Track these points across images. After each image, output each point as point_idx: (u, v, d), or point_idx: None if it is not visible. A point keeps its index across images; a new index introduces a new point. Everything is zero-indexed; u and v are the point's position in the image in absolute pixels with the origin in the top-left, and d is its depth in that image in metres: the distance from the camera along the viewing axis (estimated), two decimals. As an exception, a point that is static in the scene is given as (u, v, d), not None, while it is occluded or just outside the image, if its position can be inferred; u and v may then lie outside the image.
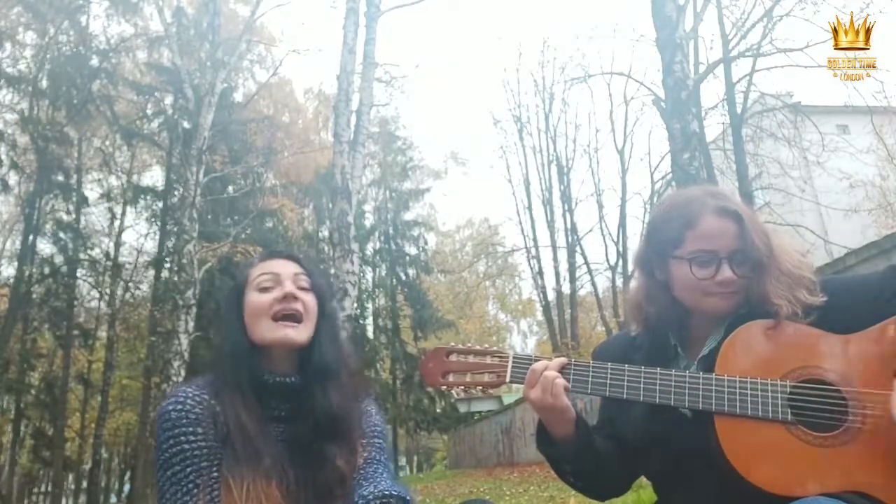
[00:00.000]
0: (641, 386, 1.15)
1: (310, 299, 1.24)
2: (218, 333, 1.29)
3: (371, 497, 1.12)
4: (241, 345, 1.20)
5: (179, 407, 1.12)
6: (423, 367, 1.29)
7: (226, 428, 1.12)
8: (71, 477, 24.06)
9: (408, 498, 1.15)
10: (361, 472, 1.20)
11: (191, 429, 1.10)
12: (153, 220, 20.12)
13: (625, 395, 1.16)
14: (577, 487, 1.30)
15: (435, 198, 47.67)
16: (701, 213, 1.19)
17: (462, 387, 1.27)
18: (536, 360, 1.22)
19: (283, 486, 1.11)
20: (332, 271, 8.50)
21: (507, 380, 1.23)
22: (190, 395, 1.14)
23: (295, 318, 1.20)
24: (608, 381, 1.17)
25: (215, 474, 1.09)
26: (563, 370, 1.20)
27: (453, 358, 1.28)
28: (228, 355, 1.20)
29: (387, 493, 1.13)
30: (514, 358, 1.24)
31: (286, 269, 1.24)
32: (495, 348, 1.27)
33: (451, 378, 1.27)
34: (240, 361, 1.18)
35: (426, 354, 1.31)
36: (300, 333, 1.20)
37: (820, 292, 1.16)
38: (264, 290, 1.21)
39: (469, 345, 1.30)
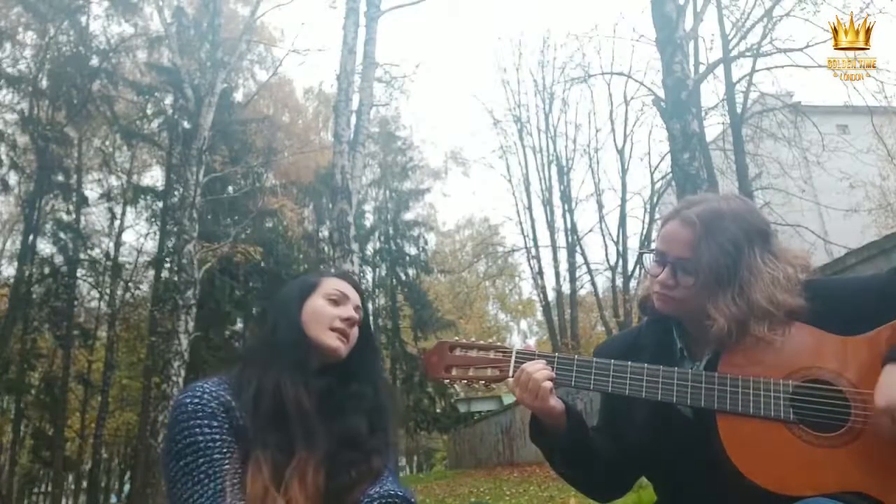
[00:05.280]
0: (644, 383, 1.15)
1: (356, 332, 1.33)
2: (273, 320, 1.34)
3: (377, 496, 1.15)
4: (300, 332, 1.27)
5: (196, 400, 1.14)
6: (426, 360, 1.30)
7: (280, 405, 1.16)
8: (71, 477, 24.04)
9: (412, 500, 1.17)
10: None
11: (206, 421, 1.12)
12: (153, 220, 20.11)
13: (627, 392, 1.16)
14: (570, 480, 1.31)
15: (435, 198, 47.65)
16: (670, 217, 1.24)
17: (465, 380, 1.28)
18: (537, 357, 1.22)
19: (324, 474, 1.14)
20: (332, 271, 8.47)
21: (510, 374, 1.24)
22: (207, 389, 1.17)
23: (347, 339, 1.30)
24: (611, 378, 1.18)
25: (227, 467, 1.10)
26: (566, 366, 1.20)
27: (457, 352, 1.29)
28: (289, 337, 1.26)
29: (392, 493, 1.16)
30: (517, 353, 1.25)
31: (354, 297, 1.35)
32: (498, 343, 1.27)
33: (454, 372, 1.28)
34: (300, 345, 1.25)
35: (430, 348, 1.32)
36: (345, 351, 1.29)
37: (785, 328, 1.12)
38: (333, 302, 1.31)
39: (472, 340, 1.30)
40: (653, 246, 1.27)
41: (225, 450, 1.11)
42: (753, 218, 1.21)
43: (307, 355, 1.25)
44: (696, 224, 1.17)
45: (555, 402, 1.18)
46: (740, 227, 1.17)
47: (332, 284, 1.34)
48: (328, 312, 1.28)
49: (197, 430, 1.11)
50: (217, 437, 1.12)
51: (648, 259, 1.27)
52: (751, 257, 1.16)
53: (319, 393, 1.22)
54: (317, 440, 1.15)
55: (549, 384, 1.17)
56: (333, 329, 1.27)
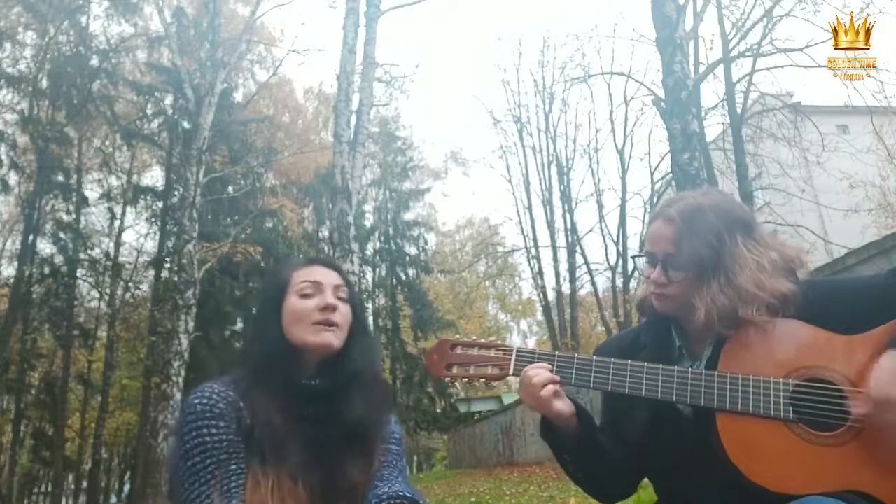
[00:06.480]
0: (643, 381, 1.16)
1: (347, 310, 1.27)
2: (252, 331, 1.35)
3: (384, 497, 1.15)
4: (279, 344, 1.22)
5: (205, 401, 1.15)
6: (428, 358, 1.31)
7: (253, 426, 1.14)
8: (71, 477, 24.06)
9: (420, 501, 1.17)
10: (377, 474, 1.23)
11: (213, 422, 1.13)
12: (153, 220, 20.11)
13: (627, 390, 1.17)
14: (579, 480, 1.31)
15: (435, 198, 47.74)
16: (654, 217, 1.26)
17: (466, 378, 1.28)
18: (538, 356, 1.23)
19: (308, 488, 1.13)
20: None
21: (511, 373, 1.24)
22: (216, 390, 1.17)
23: (334, 326, 1.24)
24: (611, 376, 1.18)
25: (233, 467, 1.11)
26: (566, 365, 1.21)
27: (458, 350, 1.30)
28: (265, 354, 1.22)
29: (400, 493, 1.15)
30: (517, 351, 1.26)
31: (327, 278, 1.28)
32: (499, 342, 1.28)
33: (455, 370, 1.28)
34: (276, 361, 1.21)
35: (431, 346, 1.33)
36: (338, 338, 1.24)
37: (779, 315, 1.13)
38: (306, 296, 1.24)
39: (474, 338, 1.31)
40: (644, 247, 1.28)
41: (231, 450, 1.12)
42: (733, 208, 1.23)
43: (292, 365, 1.21)
44: (676, 220, 1.20)
45: (561, 406, 1.18)
46: (720, 218, 1.19)
47: (300, 277, 1.26)
48: (304, 309, 1.22)
49: (205, 430, 1.12)
50: (224, 437, 1.12)
51: (641, 262, 1.28)
52: (733, 246, 1.18)
53: (314, 401, 1.20)
54: (290, 459, 1.12)
55: (551, 388, 1.17)
56: (315, 323, 1.21)
